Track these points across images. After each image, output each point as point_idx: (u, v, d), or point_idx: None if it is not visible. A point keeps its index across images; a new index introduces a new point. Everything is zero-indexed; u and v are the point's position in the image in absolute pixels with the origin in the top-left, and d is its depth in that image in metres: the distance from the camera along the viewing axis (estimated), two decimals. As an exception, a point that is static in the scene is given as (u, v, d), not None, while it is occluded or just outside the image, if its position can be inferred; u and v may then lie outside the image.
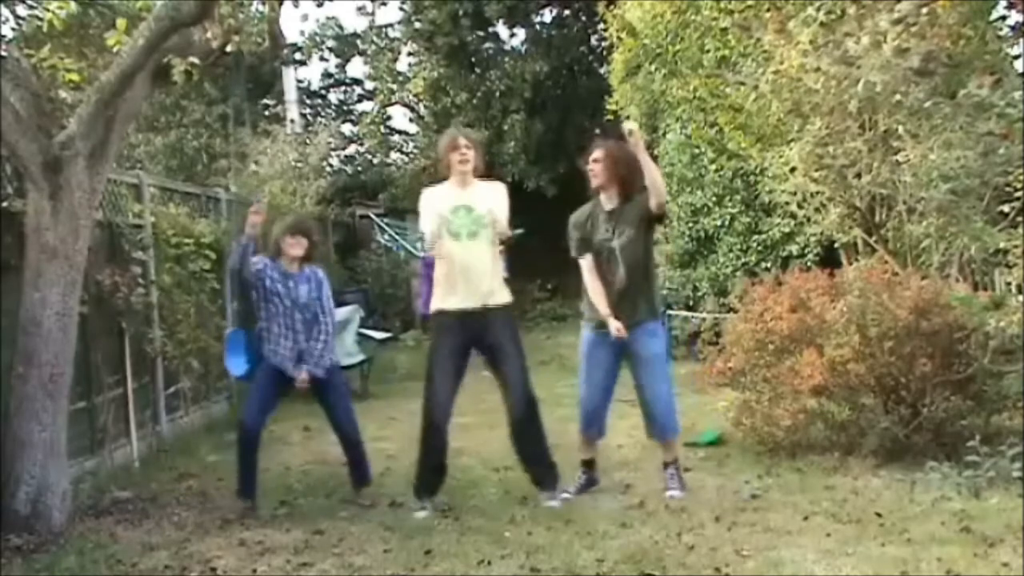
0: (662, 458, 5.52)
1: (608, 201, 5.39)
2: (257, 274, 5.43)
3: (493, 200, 5.24)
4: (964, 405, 5.77)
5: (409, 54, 18.67)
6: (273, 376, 5.49)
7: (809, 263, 9.69)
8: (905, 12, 5.97)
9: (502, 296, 5.26)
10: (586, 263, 5.41)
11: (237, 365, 7.92)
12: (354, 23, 30.90)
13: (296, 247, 5.49)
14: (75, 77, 5.43)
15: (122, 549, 4.71)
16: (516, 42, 18.19)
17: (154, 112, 15.15)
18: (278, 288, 5.46)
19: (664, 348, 5.53)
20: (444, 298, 5.25)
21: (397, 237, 15.91)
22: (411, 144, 19.93)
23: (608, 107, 12.46)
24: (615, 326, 5.22)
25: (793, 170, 7.49)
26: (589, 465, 5.61)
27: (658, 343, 5.45)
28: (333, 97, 22.33)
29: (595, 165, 5.38)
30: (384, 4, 19.89)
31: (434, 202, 5.24)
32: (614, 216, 5.35)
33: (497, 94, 16.85)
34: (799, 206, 8.12)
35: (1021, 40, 7.18)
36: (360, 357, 10.28)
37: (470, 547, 4.50)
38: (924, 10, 6.01)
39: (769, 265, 10.22)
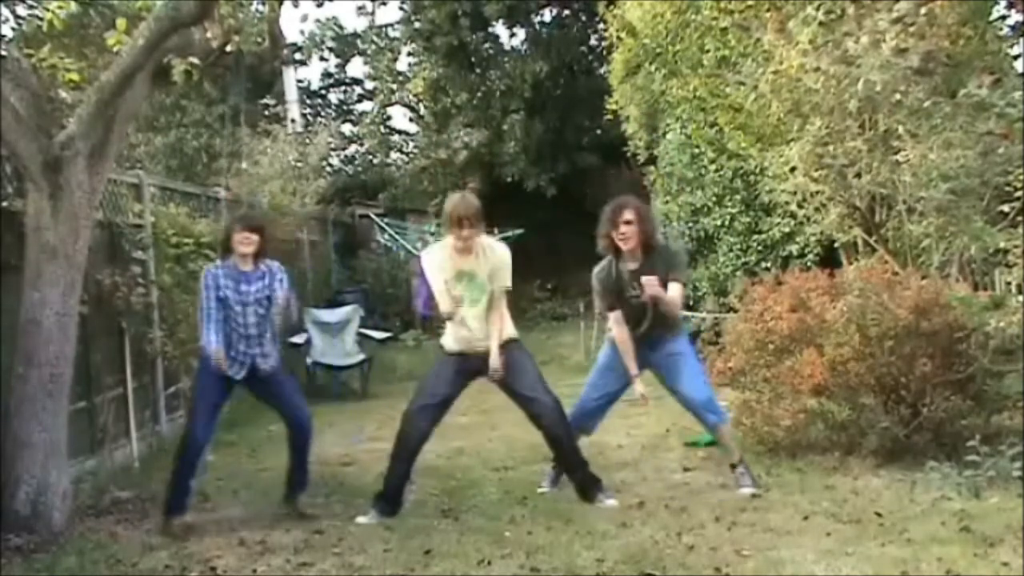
0: (728, 461, 5.56)
1: (633, 260, 5.41)
2: (209, 288, 5.23)
3: (495, 264, 5.22)
4: (964, 405, 5.76)
5: (409, 54, 18.66)
6: (217, 383, 5.25)
7: (809, 263, 9.69)
8: (904, 12, 5.97)
9: (512, 331, 5.30)
10: (615, 316, 5.47)
11: None
12: (354, 23, 30.87)
13: (245, 244, 5.23)
14: (75, 77, 5.43)
15: (122, 549, 4.71)
16: (516, 42, 18.20)
17: (154, 112, 15.13)
18: (228, 293, 5.21)
19: (687, 346, 5.62)
20: (450, 345, 5.31)
21: (397, 237, 15.92)
22: (411, 144, 19.91)
23: (608, 107, 12.47)
24: (640, 391, 5.42)
25: (793, 170, 7.49)
26: None
27: (680, 343, 5.53)
28: (333, 97, 22.31)
29: (627, 228, 5.35)
30: (384, 4, 19.91)
31: (440, 266, 5.25)
32: (641, 273, 5.37)
33: (497, 94, 16.84)
34: (799, 206, 8.12)
35: (1021, 40, 7.18)
36: (360, 357, 10.29)
37: (470, 547, 4.50)
38: (923, 10, 6.01)
39: (769, 265, 10.22)
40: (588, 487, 5.28)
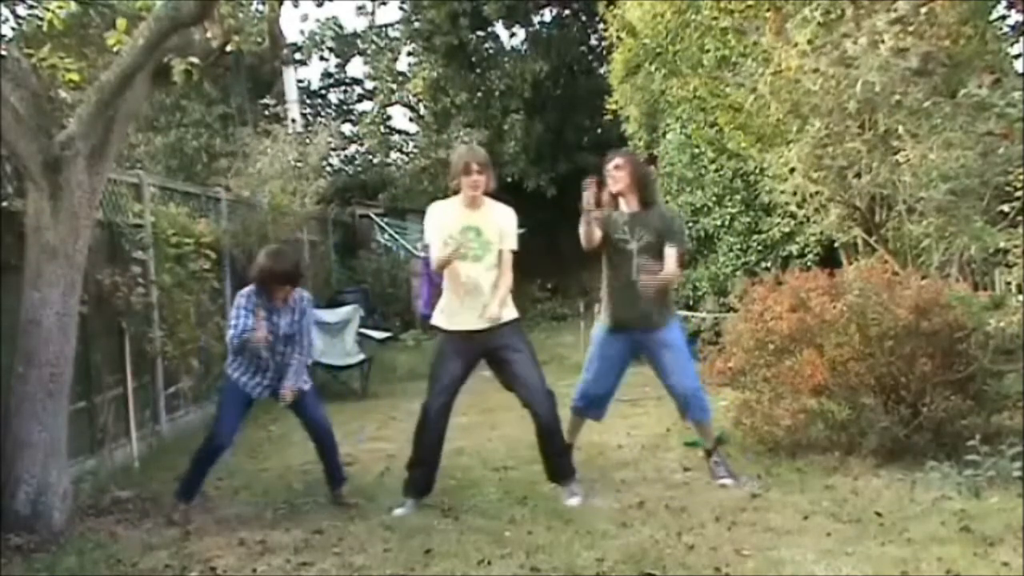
0: (703, 447, 5.66)
1: (627, 205, 5.54)
2: (245, 308, 5.31)
3: (502, 223, 5.23)
4: (964, 405, 5.76)
5: (409, 54, 18.67)
6: (242, 395, 5.42)
7: (809, 263, 9.69)
8: (903, 12, 5.97)
9: (507, 314, 5.23)
10: (587, 218, 5.49)
11: None
12: (354, 23, 30.92)
13: (283, 292, 5.32)
14: (75, 77, 5.44)
15: (122, 549, 4.72)
16: (516, 42, 18.20)
17: (154, 112, 15.15)
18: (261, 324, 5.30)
19: (683, 341, 5.66)
20: (448, 319, 5.25)
21: (397, 237, 15.91)
22: (411, 144, 19.91)
23: (608, 107, 12.47)
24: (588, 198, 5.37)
25: (793, 170, 7.49)
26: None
27: (675, 337, 5.58)
28: (333, 97, 22.30)
29: (616, 172, 5.51)
30: (384, 4, 19.92)
31: (443, 220, 5.21)
32: (633, 220, 5.51)
33: (497, 94, 16.85)
34: (799, 206, 8.12)
35: (1021, 40, 7.18)
36: (360, 357, 10.28)
37: (470, 547, 4.50)
38: (922, 10, 6.01)
39: (769, 265, 10.23)
40: (566, 475, 5.33)
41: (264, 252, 5.50)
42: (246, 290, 5.40)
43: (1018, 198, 5.88)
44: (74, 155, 4.94)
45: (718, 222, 11.20)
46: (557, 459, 5.36)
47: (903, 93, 5.99)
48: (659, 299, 5.50)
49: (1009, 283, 7.01)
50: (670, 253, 5.42)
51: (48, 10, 5.43)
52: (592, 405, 5.75)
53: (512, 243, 5.26)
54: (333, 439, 5.61)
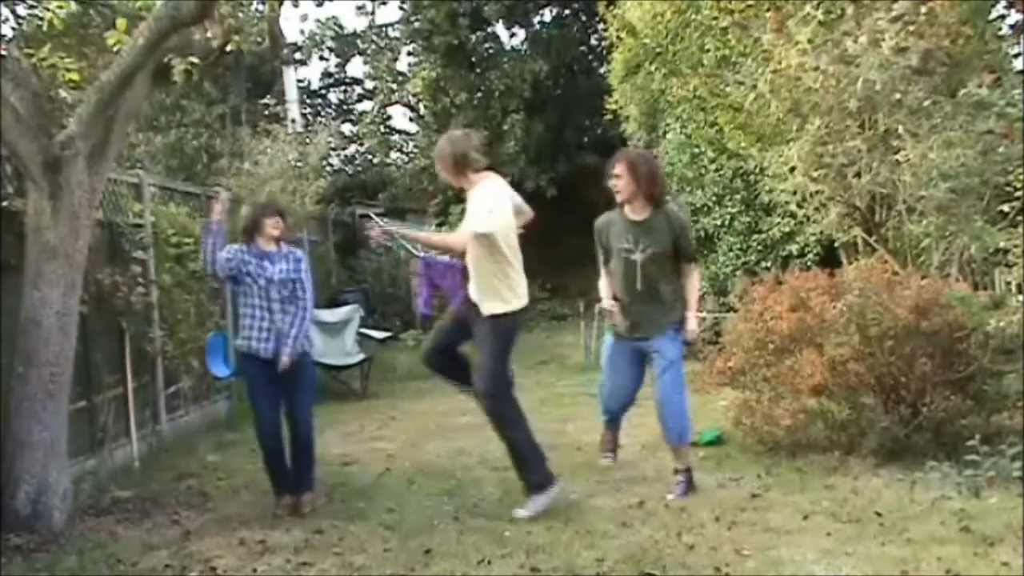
0: (672, 464, 5.48)
1: (634, 213, 5.24)
2: (229, 265, 5.39)
3: (471, 206, 5.12)
4: (964, 405, 5.77)
5: (409, 54, 18.68)
6: (263, 371, 5.37)
7: (809, 263, 9.69)
8: (903, 11, 5.98)
9: (486, 306, 5.12)
10: (605, 270, 5.48)
11: (218, 366, 8.00)
12: (354, 23, 30.93)
13: (276, 227, 5.45)
14: (75, 77, 5.44)
15: (122, 548, 4.72)
16: (516, 42, 18.20)
17: (154, 112, 15.14)
18: (251, 269, 5.38)
19: (679, 354, 5.37)
20: None
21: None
22: (411, 144, 19.92)
23: (608, 107, 12.47)
24: (615, 312, 5.32)
25: (793, 169, 7.49)
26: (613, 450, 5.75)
27: (673, 349, 5.30)
28: (333, 97, 22.31)
29: (617, 181, 5.20)
30: (384, 4, 19.94)
31: None
32: (640, 228, 5.22)
33: (497, 94, 16.84)
34: (799, 206, 8.12)
35: (1021, 39, 7.18)
36: (360, 357, 10.28)
37: (470, 547, 4.50)
38: (923, 9, 6.01)
39: (769, 264, 10.22)
40: (523, 477, 5.18)
41: (248, 206, 5.77)
42: (233, 247, 5.49)
43: (1018, 198, 5.88)
44: (74, 155, 4.95)
45: (718, 222, 11.20)
46: (517, 470, 5.21)
47: (903, 92, 6.00)
48: (663, 306, 5.27)
49: (1009, 283, 7.01)
50: (693, 282, 5.31)
51: (48, 10, 5.44)
52: (615, 419, 5.70)
53: (469, 224, 5.05)
54: (308, 444, 5.47)
